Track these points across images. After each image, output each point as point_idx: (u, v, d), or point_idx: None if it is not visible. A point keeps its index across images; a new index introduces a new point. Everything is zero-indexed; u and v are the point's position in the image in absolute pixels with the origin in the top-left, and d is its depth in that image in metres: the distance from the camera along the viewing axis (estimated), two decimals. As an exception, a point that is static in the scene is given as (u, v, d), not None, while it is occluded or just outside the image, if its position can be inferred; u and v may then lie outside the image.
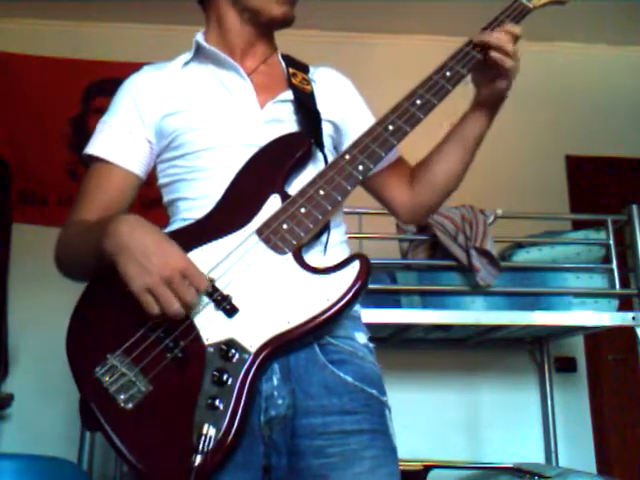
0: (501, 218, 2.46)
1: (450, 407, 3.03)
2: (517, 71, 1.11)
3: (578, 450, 3.08)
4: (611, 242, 2.47)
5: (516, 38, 1.10)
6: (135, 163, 1.15)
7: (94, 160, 1.16)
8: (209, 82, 1.18)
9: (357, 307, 1.13)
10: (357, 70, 3.61)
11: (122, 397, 0.94)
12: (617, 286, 2.43)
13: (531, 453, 2.99)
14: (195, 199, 1.11)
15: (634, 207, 2.47)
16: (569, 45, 3.66)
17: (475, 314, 2.38)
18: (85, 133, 3.34)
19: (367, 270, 1.00)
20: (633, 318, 2.39)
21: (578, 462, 2.95)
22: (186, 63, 1.21)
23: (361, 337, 1.10)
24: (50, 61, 3.33)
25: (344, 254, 1.11)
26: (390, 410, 1.09)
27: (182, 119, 1.13)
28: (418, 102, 1.09)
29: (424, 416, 2.99)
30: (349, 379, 1.03)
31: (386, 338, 2.89)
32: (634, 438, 3.14)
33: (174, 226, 1.12)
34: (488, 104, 1.16)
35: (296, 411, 1.00)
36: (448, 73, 1.11)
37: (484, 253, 2.32)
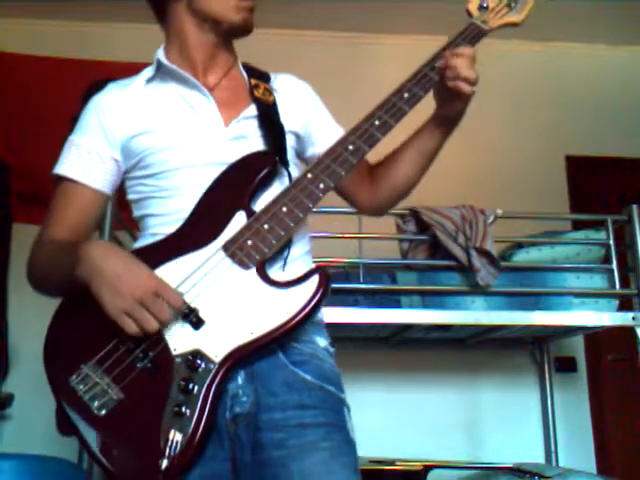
0: (501, 218, 2.46)
1: (450, 407, 3.03)
2: (474, 93, 1.15)
3: (578, 450, 3.08)
4: (611, 242, 2.47)
5: (472, 61, 1.14)
6: (102, 182, 1.19)
7: (62, 179, 1.20)
8: (173, 101, 1.20)
9: (319, 314, 1.17)
10: (357, 70, 3.65)
11: (95, 404, 1.00)
12: (617, 286, 2.43)
13: (531, 453, 2.99)
14: (164, 215, 1.15)
15: (634, 207, 2.47)
16: (569, 45, 3.67)
17: (475, 314, 2.38)
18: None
19: (325, 284, 1.05)
20: (633, 318, 2.39)
21: (578, 462, 2.95)
22: (148, 80, 1.23)
23: (321, 341, 1.16)
24: (51, 61, 3.33)
25: (305, 267, 1.16)
26: (349, 408, 1.14)
27: (149, 140, 1.17)
28: (377, 123, 1.13)
29: (424, 416, 2.99)
30: (308, 377, 1.09)
31: (386, 338, 2.90)
32: (634, 438, 3.13)
33: (144, 240, 1.17)
34: (444, 122, 1.21)
35: (259, 407, 1.06)
36: (406, 95, 1.15)
37: (484, 253, 2.32)
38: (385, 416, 2.92)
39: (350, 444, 1.10)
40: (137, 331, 0.97)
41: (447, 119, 1.21)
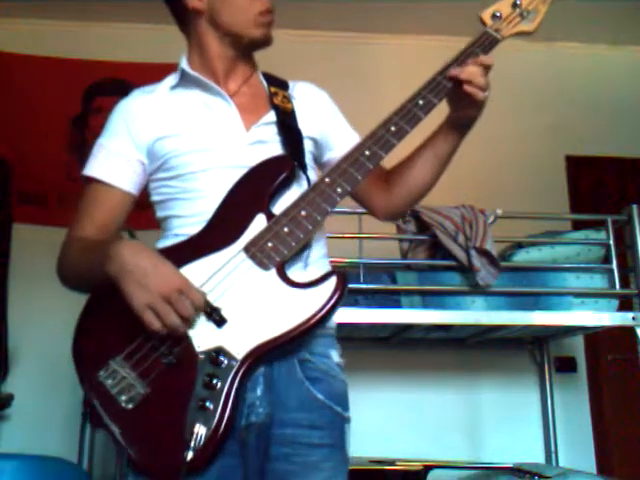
0: (501, 218, 2.46)
1: (450, 407, 3.03)
2: (487, 100, 1.18)
3: (578, 450, 3.08)
4: (611, 242, 2.47)
5: (487, 69, 1.18)
6: (129, 183, 1.24)
7: (91, 181, 1.24)
8: (196, 106, 1.25)
9: (332, 323, 1.23)
10: (357, 70, 3.65)
11: (123, 398, 1.05)
12: (617, 286, 2.43)
13: (531, 453, 2.99)
14: (187, 217, 1.20)
15: (634, 207, 2.48)
16: (569, 45, 3.66)
17: (475, 314, 2.38)
18: (86, 133, 3.34)
19: (343, 286, 1.10)
20: (633, 318, 2.39)
21: (578, 462, 2.95)
22: (173, 87, 1.28)
23: (335, 355, 1.22)
24: (51, 61, 3.33)
25: (324, 268, 1.21)
26: (349, 423, 1.20)
27: (173, 143, 1.21)
28: (392, 129, 1.17)
29: (424, 416, 2.99)
30: (320, 397, 1.15)
31: (386, 338, 2.90)
32: (634, 438, 3.13)
33: (167, 241, 1.21)
34: (457, 127, 1.24)
35: (272, 421, 1.12)
36: (421, 102, 1.18)
37: (484, 253, 2.32)
38: (385, 416, 2.92)
39: (346, 464, 1.18)
40: (160, 327, 1.01)
41: (461, 123, 1.23)
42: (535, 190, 3.32)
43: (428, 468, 2.46)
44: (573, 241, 2.53)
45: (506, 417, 3.06)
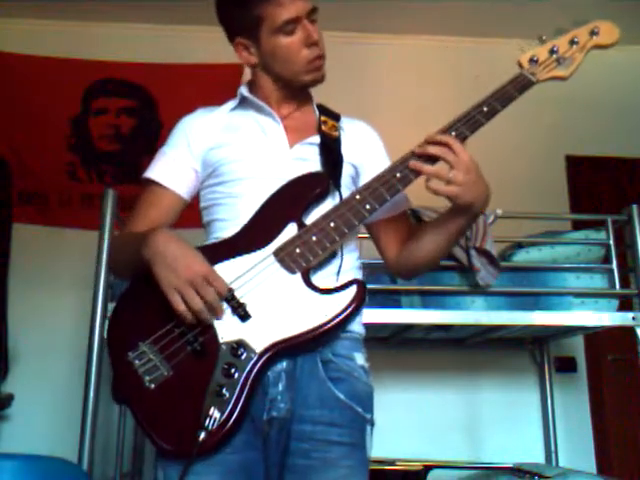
0: (501, 218, 2.46)
1: (450, 407, 3.03)
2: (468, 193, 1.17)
3: (578, 450, 3.08)
4: (611, 242, 2.47)
5: (451, 156, 1.16)
6: (182, 187, 1.35)
7: (150, 182, 1.36)
8: (248, 124, 1.36)
9: (359, 329, 1.29)
10: (357, 70, 3.64)
11: (147, 378, 1.13)
12: (617, 286, 2.43)
13: (531, 453, 2.99)
14: (226, 220, 1.30)
15: (634, 207, 2.47)
16: (569, 45, 3.66)
17: (475, 314, 2.38)
18: (86, 133, 3.34)
19: (363, 294, 1.18)
20: (633, 318, 2.39)
21: (578, 462, 2.95)
22: (232, 109, 1.40)
23: (360, 358, 1.27)
24: (50, 61, 3.33)
25: (352, 278, 1.26)
26: (373, 425, 1.25)
27: (223, 152, 1.33)
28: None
29: (424, 416, 2.99)
30: (341, 396, 1.20)
31: (386, 338, 2.90)
32: (634, 438, 3.14)
33: (207, 243, 1.31)
34: (459, 212, 1.23)
35: (293, 416, 1.17)
36: (453, 133, 1.21)
37: (484, 253, 2.32)
38: (385, 416, 2.89)
39: (365, 464, 1.22)
40: (184, 309, 1.11)
41: (460, 210, 1.22)
42: (535, 190, 3.32)
43: (428, 468, 2.46)
44: (573, 241, 2.53)
45: (506, 417, 3.06)
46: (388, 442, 2.76)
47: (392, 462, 2.48)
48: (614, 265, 2.45)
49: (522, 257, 2.50)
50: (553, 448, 2.98)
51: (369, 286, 2.30)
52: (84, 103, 3.37)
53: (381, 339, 2.93)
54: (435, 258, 1.33)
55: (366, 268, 2.35)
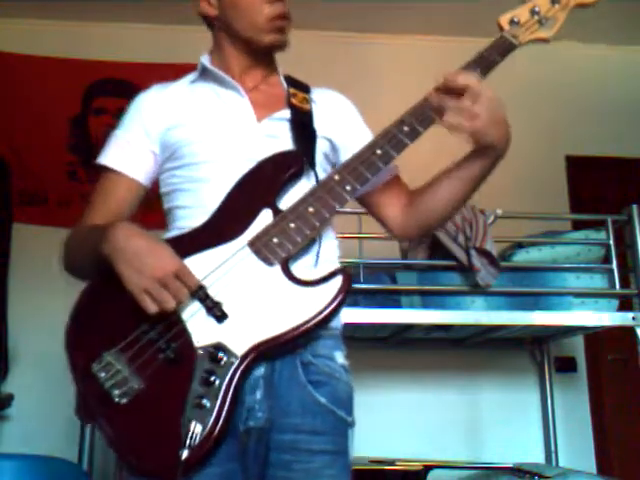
0: (501, 218, 2.46)
1: (450, 407, 3.03)
2: (492, 128, 1.13)
3: (578, 450, 3.08)
4: (611, 242, 2.47)
5: (475, 90, 1.09)
6: (140, 172, 1.23)
7: (105, 169, 1.24)
8: (209, 98, 1.25)
9: (338, 323, 1.19)
10: (357, 70, 3.64)
11: (117, 392, 1.01)
12: (617, 286, 2.43)
13: (531, 453, 2.99)
14: (191, 208, 1.17)
15: (634, 207, 2.47)
16: (569, 45, 3.66)
17: (475, 314, 2.38)
18: (85, 133, 3.34)
19: (348, 285, 1.06)
20: (633, 318, 2.39)
21: (578, 462, 2.95)
22: (192, 82, 1.29)
23: (340, 357, 1.18)
24: (50, 61, 3.33)
25: (334, 267, 1.15)
26: (353, 427, 1.16)
27: (183, 132, 1.21)
28: (405, 129, 1.13)
29: (424, 416, 2.99)
30: (323, 400, 1.11)
31: (386, 338, 2.89)
32: (634, 438, 3.13)
33: (171, 234, 1.18)
34: (482, 154, 1.17)
35: (272, 426, 1.08)
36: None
37: (484, 253, 2.32)
38: (385, 416, 2.92)
39: (348, 469, 1.13)
40: (156, 310, 0.99)
41: (481, 150, 1.16)
42: (535, 190, 3.32)
43: (428, 468, 2.46)
44: (573, 241, 2.53)
45: (506, 417, 3.06)
46: (388, 442, 2.77)
47: (392, 462, 2.48)
48: (614, 265, 2.45)
49: (522, 257, 2.50)
50: (553, 448, 2.98)
51: (369, 286, 2.33)
52: (84, 103, 3.36)
53: (381, 339, 2.93)
54: (452, 208, 1.24)
55: (366, 268, 2.38)
